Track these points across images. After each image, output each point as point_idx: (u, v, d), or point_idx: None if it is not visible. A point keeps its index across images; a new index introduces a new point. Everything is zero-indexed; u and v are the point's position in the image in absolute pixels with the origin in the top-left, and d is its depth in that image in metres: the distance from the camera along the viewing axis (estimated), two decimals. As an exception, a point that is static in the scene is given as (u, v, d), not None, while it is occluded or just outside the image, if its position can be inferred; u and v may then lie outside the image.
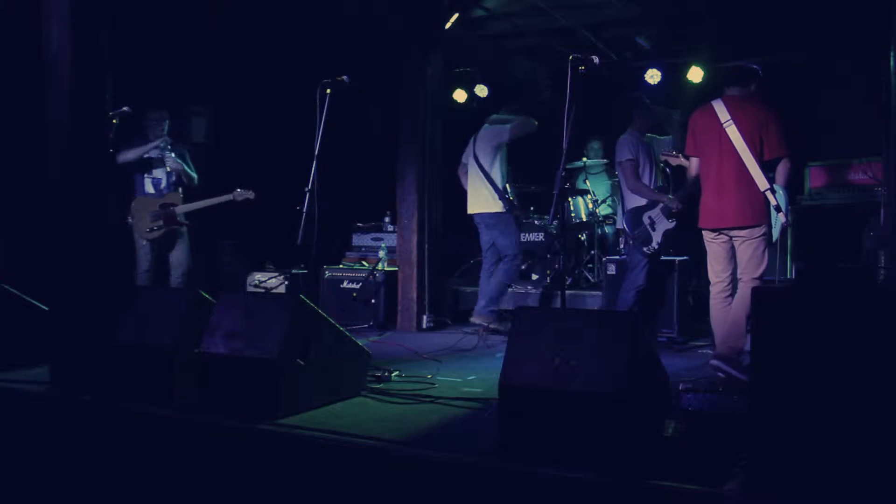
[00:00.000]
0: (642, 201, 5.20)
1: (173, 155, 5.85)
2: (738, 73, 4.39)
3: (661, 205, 5.10)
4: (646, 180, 5.25)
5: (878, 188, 5.82)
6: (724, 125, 4.26)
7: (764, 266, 4.25)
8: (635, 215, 5.19)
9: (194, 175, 5.95)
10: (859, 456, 2.20)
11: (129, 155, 5.68)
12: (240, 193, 5.86)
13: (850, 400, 2.23)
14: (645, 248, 5.11)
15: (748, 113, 4.25)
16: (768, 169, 4.25)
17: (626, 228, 5.28)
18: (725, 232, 4.32)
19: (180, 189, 5.92)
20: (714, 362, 4.14)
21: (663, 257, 5.46)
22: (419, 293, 6.40)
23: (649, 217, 5.13)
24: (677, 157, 4.88)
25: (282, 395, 3.22)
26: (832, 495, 2.21)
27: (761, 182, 4.18)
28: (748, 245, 4.24)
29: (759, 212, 4.20)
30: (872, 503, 2.19)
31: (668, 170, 5.68)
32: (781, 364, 2.32)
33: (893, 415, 2.17)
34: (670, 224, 5.08)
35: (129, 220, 5.73)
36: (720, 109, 4.31)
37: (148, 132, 5.82)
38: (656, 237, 5.10)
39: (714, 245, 4.39)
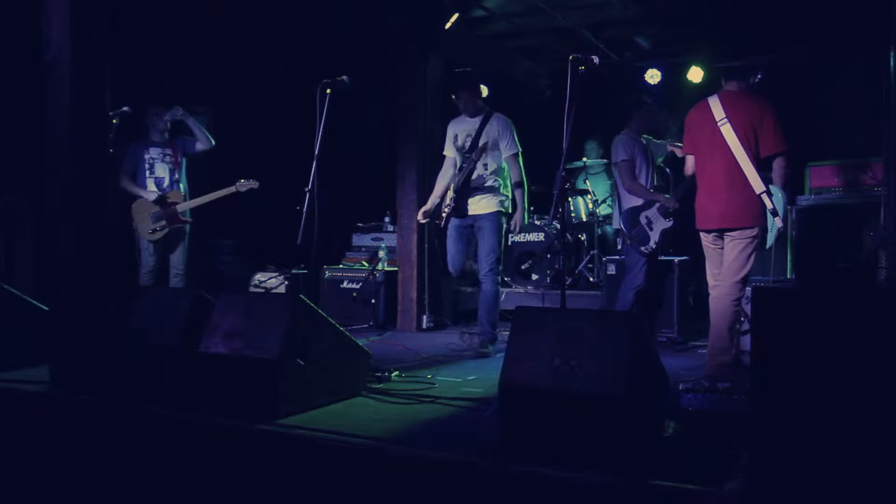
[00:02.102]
0: (639, 201, 5.19)
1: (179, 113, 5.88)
2: (739, 67, 4.29)
3: (657, 204, 5.10)
4: (643, 180, 5.23)
5: (878, 188, 5.82)
6: (719, 123, 4.14)
7: (746, 271, 4.11)
8: (632, 215, 5.18)
9: (209, 136, 5.96)
10: (859, 457, 2.20)
11: (125, 178, 5.76)
12: (243, 184, 5.83)
13: (850, 400, 2.22)
14: (642, 248, 5.10)
15: (743, 109, 4.14)
16: (766, 168, 4.16)
17: (623, 228, 5.28)
18: (717, 233, 4.25)
19: (182, 186, 5.92)
20: (706, 385, 4.01)
21: (663, 257, 5.45)
22: (419, 293, 6.40)
23: (646, 217, 5.12)
24: (678, 147, 4.85)
25: (282, 395, 3.22)
26: (832, 496, 2.21)
27: (756, 184, 4.05)
28: (734, 245, 4.13)
29: (751, 214, 4.08)
30: None
31: (667, 170, 5.68)
32: (782, 364, 2.32)
33: (894, 415, 2.17)
34: (668, 223, 5.06)
35: (133, 224, 5.75)
36: (716, 107, 4.21)
37: (150, 129, 5.87)
38: (653, 237, 5.09)
39: (709, 247, 4.32)
